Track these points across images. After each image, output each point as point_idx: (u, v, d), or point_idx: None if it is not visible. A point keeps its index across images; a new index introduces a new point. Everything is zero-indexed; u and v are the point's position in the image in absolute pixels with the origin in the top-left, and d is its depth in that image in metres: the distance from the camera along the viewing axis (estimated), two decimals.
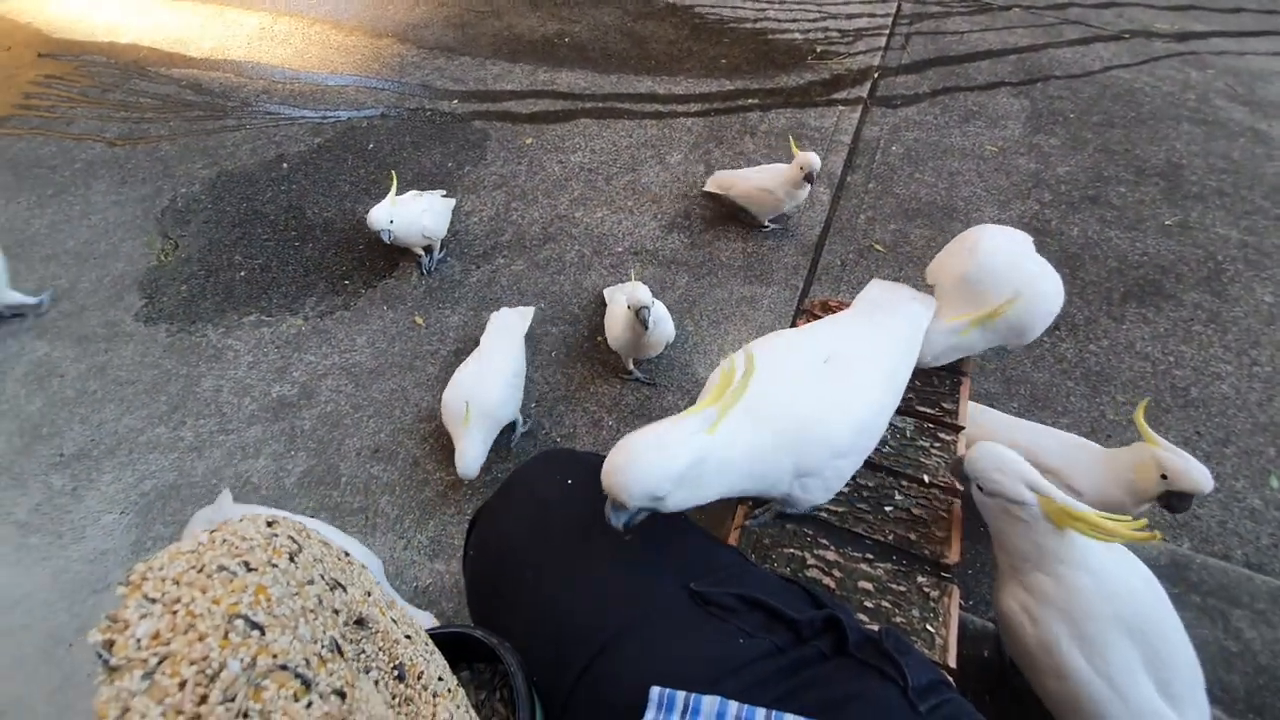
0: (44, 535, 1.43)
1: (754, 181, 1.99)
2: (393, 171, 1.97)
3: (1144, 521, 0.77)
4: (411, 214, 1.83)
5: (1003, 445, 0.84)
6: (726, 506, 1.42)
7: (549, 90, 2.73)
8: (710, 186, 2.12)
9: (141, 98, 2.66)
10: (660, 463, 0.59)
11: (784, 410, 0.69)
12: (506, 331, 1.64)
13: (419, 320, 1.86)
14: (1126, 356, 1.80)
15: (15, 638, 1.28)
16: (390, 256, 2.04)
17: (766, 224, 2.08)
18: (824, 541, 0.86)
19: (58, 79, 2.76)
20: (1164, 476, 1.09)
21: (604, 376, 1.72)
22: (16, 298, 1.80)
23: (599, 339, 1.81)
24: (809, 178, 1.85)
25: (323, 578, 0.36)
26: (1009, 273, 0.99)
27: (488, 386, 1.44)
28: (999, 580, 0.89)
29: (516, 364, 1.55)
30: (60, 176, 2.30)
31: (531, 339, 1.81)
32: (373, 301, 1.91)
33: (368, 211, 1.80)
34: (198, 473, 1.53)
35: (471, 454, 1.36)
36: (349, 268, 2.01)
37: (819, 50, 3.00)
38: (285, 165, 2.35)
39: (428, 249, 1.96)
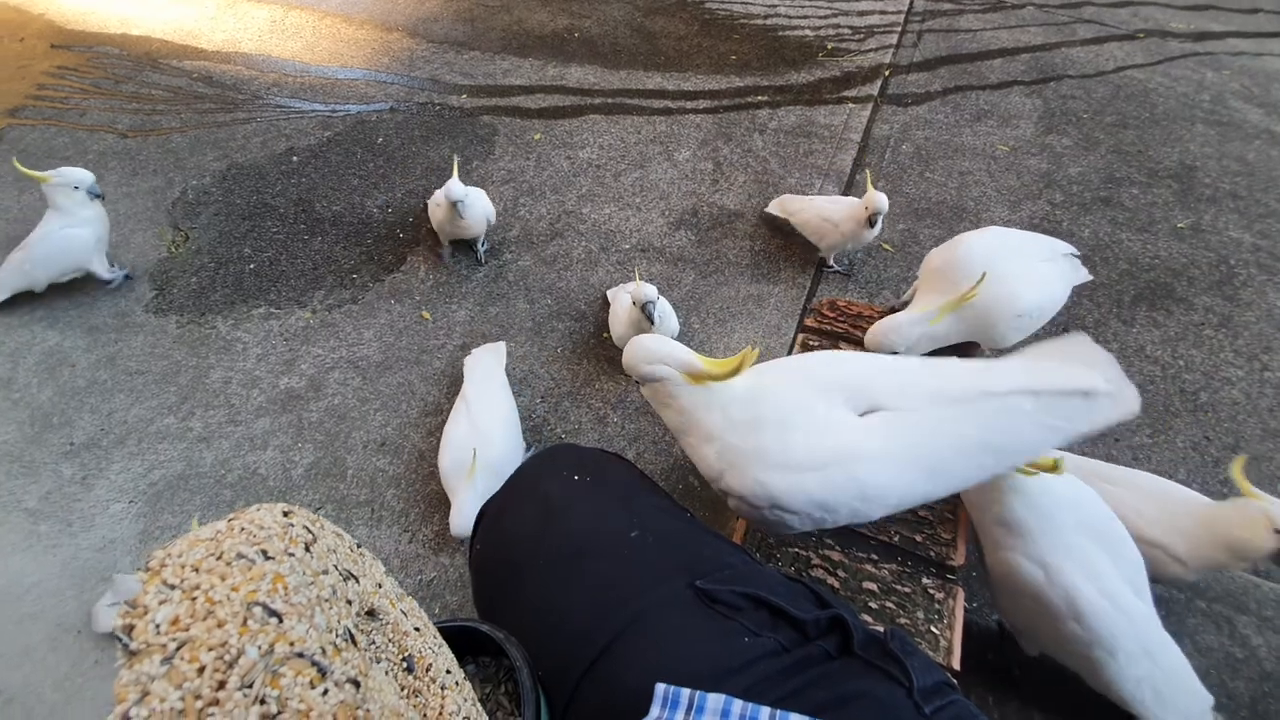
0: (53, 523, 1.45)
1: (818, 210, 1.88)
2: (454, 156, 2.01)
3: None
4: (482, 198, 1.85)
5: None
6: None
7: (558, 85, 2.73)
8: (772, 208, 2.04)
9: (153, 90, 2.67)
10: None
11: (779, 428, 0.71)
12: (487, 376, 1.55)
13: (426, 315, 1.87)
14: (1136, 360, 1.79)
15: (24, 626, 1.30)
16: (398, 251, 2.05)
17: (831, 263, 1.95)
18: (829, 541, 0.86)
19: (71, 70, 2.77)
20: (1277, 531, 1.01)
21: (609, 373, 1.73)
22: (99, 269, 1.85)
23: (605, 335, 1.81)
24: (872, 220, 1.73)
25: (336, 568, 0.37)
26: (983, 265, 1.00)
27: (493, 441, 1.36)
28: (984, 547, 0.91)
29: (509, 409, 1.48)
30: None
31: (538, 334, 1.81)
32: (380, 295, 1.92)
33: (444, 186, 1.77)
34: (206, 463, 1.54)
35: (469, 510, 1.25)
36: (357, 261, 2.02)
37: (830, 47, 2.98)
38: (295, 158, 2.36)
39: (473, 241, 1.97)
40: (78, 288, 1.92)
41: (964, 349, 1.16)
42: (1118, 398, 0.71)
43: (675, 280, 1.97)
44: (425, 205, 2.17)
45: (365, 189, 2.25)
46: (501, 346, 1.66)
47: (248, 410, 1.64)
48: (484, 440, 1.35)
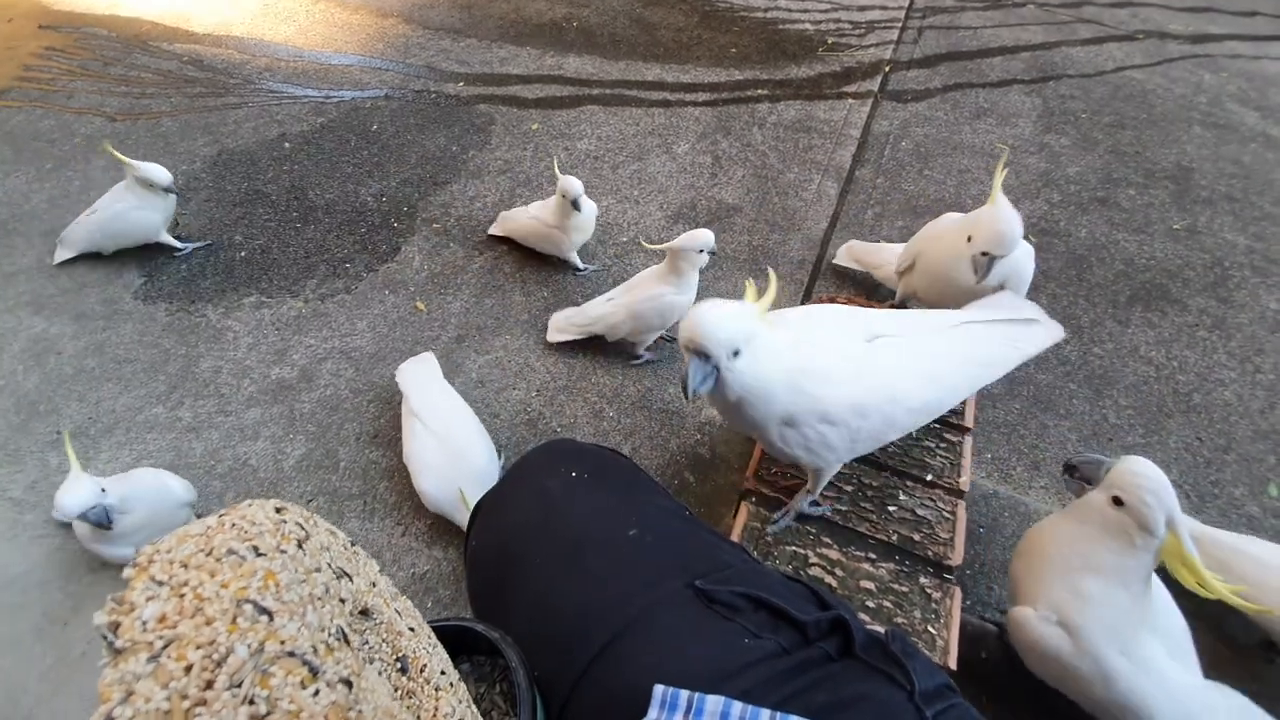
0: (40, 513, 1.42)
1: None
2: (555, 156, 2.03)
3: (1244, 587, 0.78)
4: (593, 207, 1.79)
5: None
6: (729, 502, 1.42)
7: (556, 75, 2.70)
8: (842, 259, 1.91)
9: (143, 72, 2.62)
10: (740, 319, 0.72)
11: (800, 355, 0.76)
12: (430, 387, 1.49)
13: (420, 306, 1.85)
14: (1130, 360, 1.80)
15: (10, 617, 1.28)
16: (393, 240, 2.03)
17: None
18: (827, 540, 0.86)
19: (58, 51, 2.72)
20: None
21: (605, 367, 1.71)
22: (168, 239, 1.89)
23: None
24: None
25: (330, 565, 0.36)
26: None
27: (467, 458, 1.32)
28: (1023, 588, 0.88)
29: (468, 414, 1.43)
30: (60, 151, 2.27)
31: (533, 327, 1.80)
32: (374, 285, 1.90)
33: (566, 179, 1.70)
34: (195, 453, 1.52)
35: None
36: (350, 251, 1.99)
37: (830, 42, 2.97)
38: (287, 145, 2.33)
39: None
40: (64, 273, 1.89)
41: None
42: (1049, 327, 0.95)
43: None
44: (405, 198, 2.14)
45: (359, 177, 2.22)
46: (430, 357, 1.59)
47: (238, 400, 1.62)
48: (458, 459, 1.31)
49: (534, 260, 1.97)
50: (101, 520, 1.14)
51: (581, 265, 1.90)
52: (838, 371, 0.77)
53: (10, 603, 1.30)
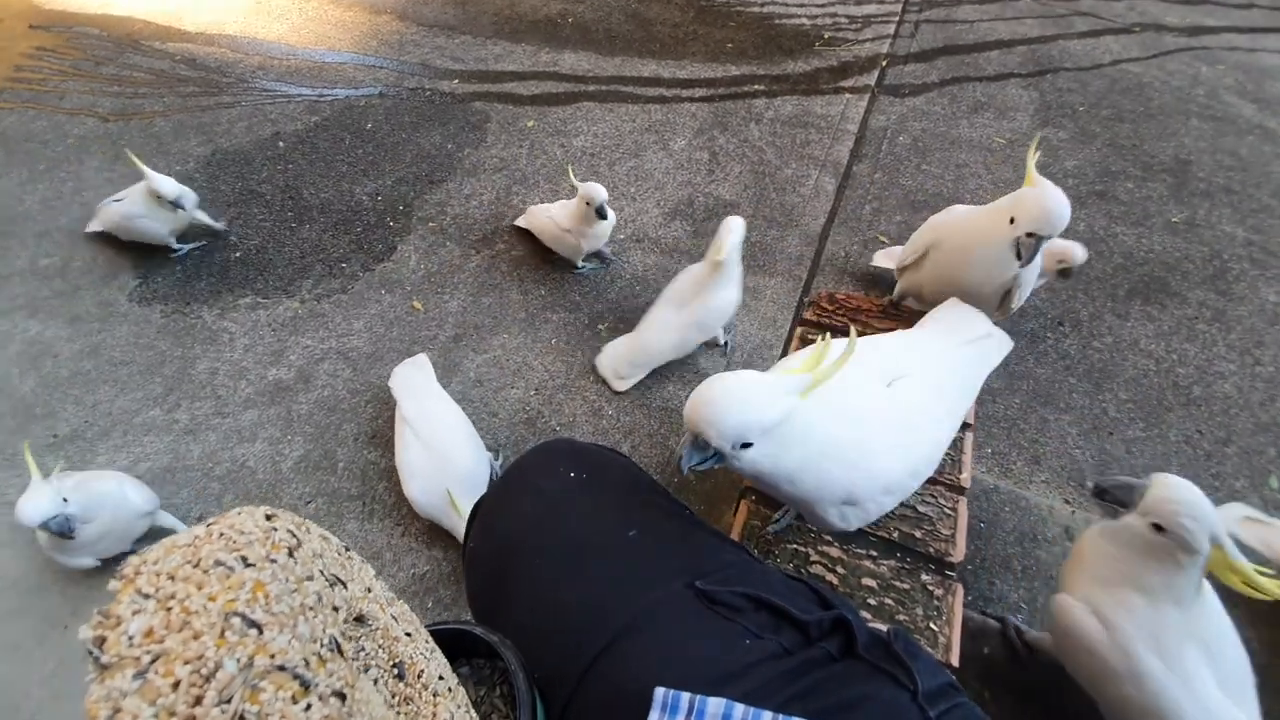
0: None
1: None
2: (569, 165, 2.02)
3: None
4: (613, 217, 1.77)
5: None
6: (729, 500, 1.41)
7: (551, 72, 2.69)
8: (881, 262, 1.85)
9: (135, 72, 2.60)
10: (758, 406, 0.59)
11: (849, 432, 0.69)
12: (422, 391, 1.47)
13: (417, 305, 1.84)
14: (1130, 354, 1.79)
15: (9, 621, 1.27)
16: (389, 240, 2.01)
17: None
18: (828, 537, 0.85)
19: (50, 51, 2.69)
20: None
21: None
22: (204, 218, 1.90)
23: (600, 327, 1.79)
24: (1064, 272, 1.54)
25: (322, 573, 0.35)
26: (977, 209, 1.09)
27: (454, 461, 1.30)
28: (1068, 583, 0.88)
29: (459, 418, 1.41)
30: (53, 152, 2.25)
31: (531, 325, 1.79)
32: (370, 285, 1.89)
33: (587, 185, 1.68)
34: (193, 456, 1.51)
35: None
36: (346, 250, 1.98)
37: (826, 36, 2.95)
38: (281, 144, 2.31)
39: (591, 254, 1.89)
40: (58, 276, 1.88)
41: None
42: (1000, 340, 0.95)
43: (670, 270, 1.94)
44: (400, 196, 2.13)
45: (354, 176, 2.21)
46: (424, 359, 1.57)
47: (235, 402, 1.61)
48: (444, 462, 1.30)
49: (531, 258, 1.96)
50: (64, 529, 1.12)
51: (580, 264, 1.89)
52: (881, 438, 0.71)
53: (9, 607, 1.29)
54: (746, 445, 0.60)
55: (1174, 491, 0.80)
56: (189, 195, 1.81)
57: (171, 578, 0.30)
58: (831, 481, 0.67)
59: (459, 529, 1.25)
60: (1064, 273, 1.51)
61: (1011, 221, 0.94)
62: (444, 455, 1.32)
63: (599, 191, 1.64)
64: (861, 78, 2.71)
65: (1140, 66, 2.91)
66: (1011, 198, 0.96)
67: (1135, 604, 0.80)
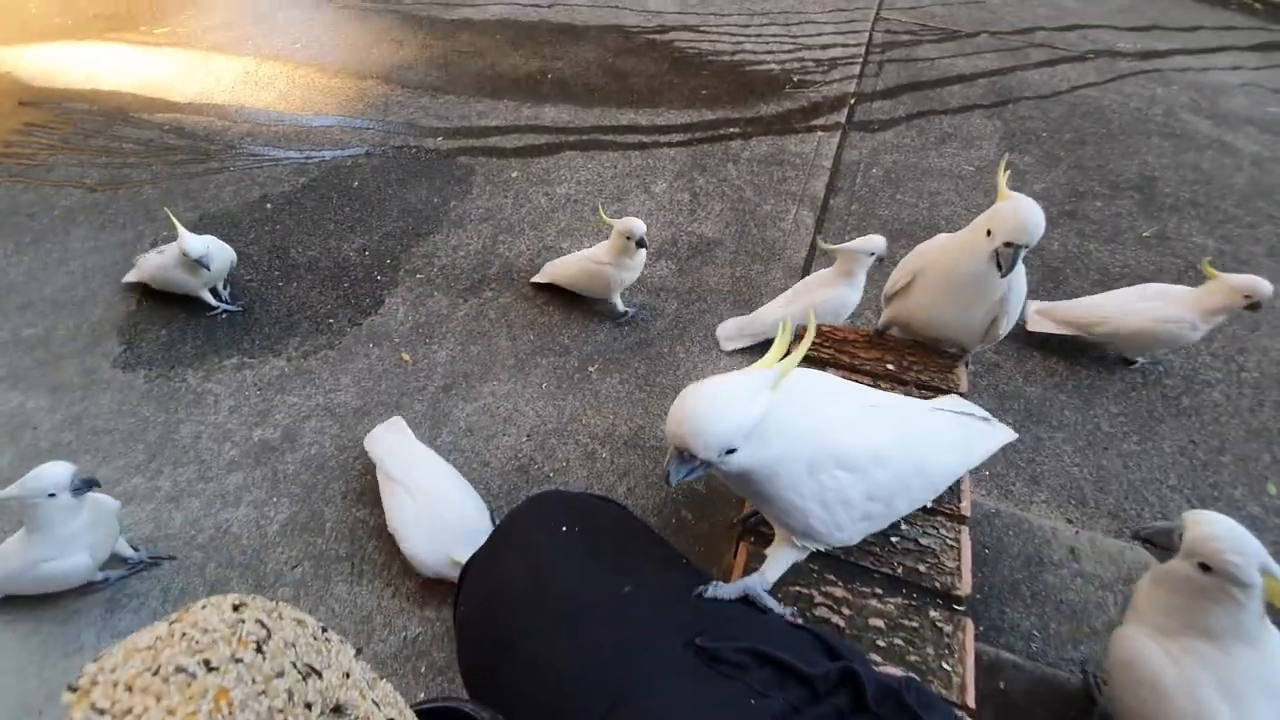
0: (12, 599, 1.36)
1: (1143, 312, 1.67)
2: (600, 205, 2.06)
3: None
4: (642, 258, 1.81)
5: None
6: (728, 540, 1.38)
7: (533, 125, 2.76)
8: (1038, 326, 1.81)
9: (124, 143, 2.65)
10: (738, 412, 0.58)
11: (815, 409, 0.69)
12: (404, 450, 1.46)
13: (406, 356, 1.83)
14: (1117, 367, 1.81)
15: None
16: (376, 294, 2.02)
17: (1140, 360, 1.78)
18: (831, 577, 0.83)
19: (38, 126, 2.75)
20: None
21: (595, 408, 1.70)
22: (204, 295, 1.92)
23: (590, 369, 1.79)
24: (1253, 306, 1.53)
25: (295, 665, 0.33)
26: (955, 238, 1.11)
27: (454, 516, 1.28)
28: (1130, 625, 0.84)
29: (446, 469, 1.40)
30: (38, 224, 2.27)
31: (521, 371, 1.78)
32: (358, 339, 1.88)
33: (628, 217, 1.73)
34: (175, 524, 1.47)
35: None
36: (333, 306, 1.99)
37: (796, 79, 3.07)
38: (269, 205, 2.34)
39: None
40: (40, 346, 1.86)
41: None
42: (1000, 429, 0.95)
43: (659, 310, 1.96)
44: (388, 250, 2.15)
45: (341, 233, 2.23)
46: (399, 421, 1.55)
47: (219, 465, 1.58)
48: (441, 514, 1.28)
49: (519, 305, 1.97)
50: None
51: (623, 307, 1.89)
52: (855, 423, 0.72)
53: None
54: (731, 451, 0.59)
55: (1211, 528, 0.77)
56: (220, 255, 1.84)
57: (129, 688, 0.29)
58: (776, 478, 0.66)
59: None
60: (1253, 306, 1.51)
61: (989, 234, 0.95)
62: (439, 507, 1.29)
63: (638, 225, 1.69)
64: (832, 115, 2.81)
65: (1098, 91, 3.04)
66: (987, 214, 0.98)
67: (1202, 650, 0.76)
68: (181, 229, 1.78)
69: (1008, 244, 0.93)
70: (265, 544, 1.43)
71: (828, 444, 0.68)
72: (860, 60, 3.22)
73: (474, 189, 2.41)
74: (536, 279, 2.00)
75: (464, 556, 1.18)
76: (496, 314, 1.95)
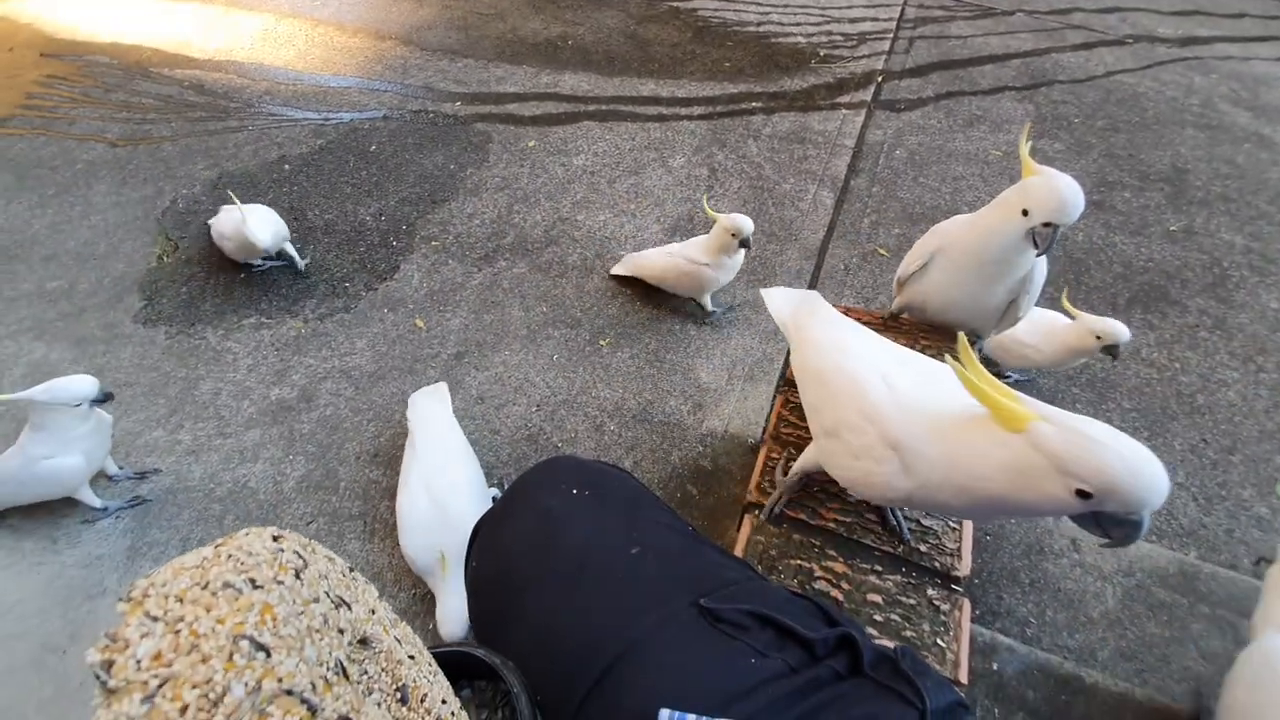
0: (37, 540, 1.41)
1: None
2: (705, 194, 2.02)
3: None
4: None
5: None
6: (732, 515, 1.40)
7: (552, 93, 2.73)
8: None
9: (144, 98, 2.65)
10: None
11: None
12: (436, 424, 1.40)
13: (420, 323, 1.85)
14: (1132, 363, 1.79)
15: (7, 646, 1.26)
16: (391, 259, 2.03)
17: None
18: (832, 553, 0.85)
19: (60, 79, 2.75)
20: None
21: (605, 380, 1.71)
22: (290, 251, 1.92)
23: (601, 343, 1.80)
24: (1111, 351, 1.42)
25: (328, 595, 0.35)
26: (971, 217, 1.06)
27: (459, 522, 1.17)
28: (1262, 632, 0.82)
29: (472, 470, 1.32)
30: (61, 177, 2.29)
31: (533, 342, 1.80)
32: (373, 304, 1.90)
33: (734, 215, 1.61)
34: (194, 477, 1.51)
35: (456, 610, 1.12)
36: (349, 270, 2.00)
37: (822, 54, 3.00)
38: (287, 166, 2.34)
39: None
40: (64, 298, 1.89)
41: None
42: None
43: None
44: (403, 216, 2.15)
45: (358, 197, 2.23)
46: (443, 388, 1.52)
47: (238, 422, 1.62)
48: (447, 522, 1.20)
49: (532, 276, 1.98)
50: (109, 398, 1.37)
51: (711, 306, 1.80)
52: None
53: (7, 631, 1.28)
54: None
55: None
56: (280, 233, 1.83)
57: (180, 600, 0.30)
58: None
59: (439, 593, 1.18)
60: (1109, 350, 1.40)
61: (1025, 214, 0.90)
62: (449, 515, 1.21)
63: (747, 223, 1.56)
64: (857, 93, 2.74)
65: (1134, 77, 2.95)
66: (1018, 189, 0.93)
67: None
68: (251, 226, 1.74)
69: (1047, 224, 0.89)
70: (281, 499, 1.47)
71: None
72: (890, 36, 3.13)
73: (490, 157, 2.40)
74: (616, 270, 1.93)
75: (454, 560, 1.15)
76: (510, 284, 1.96)
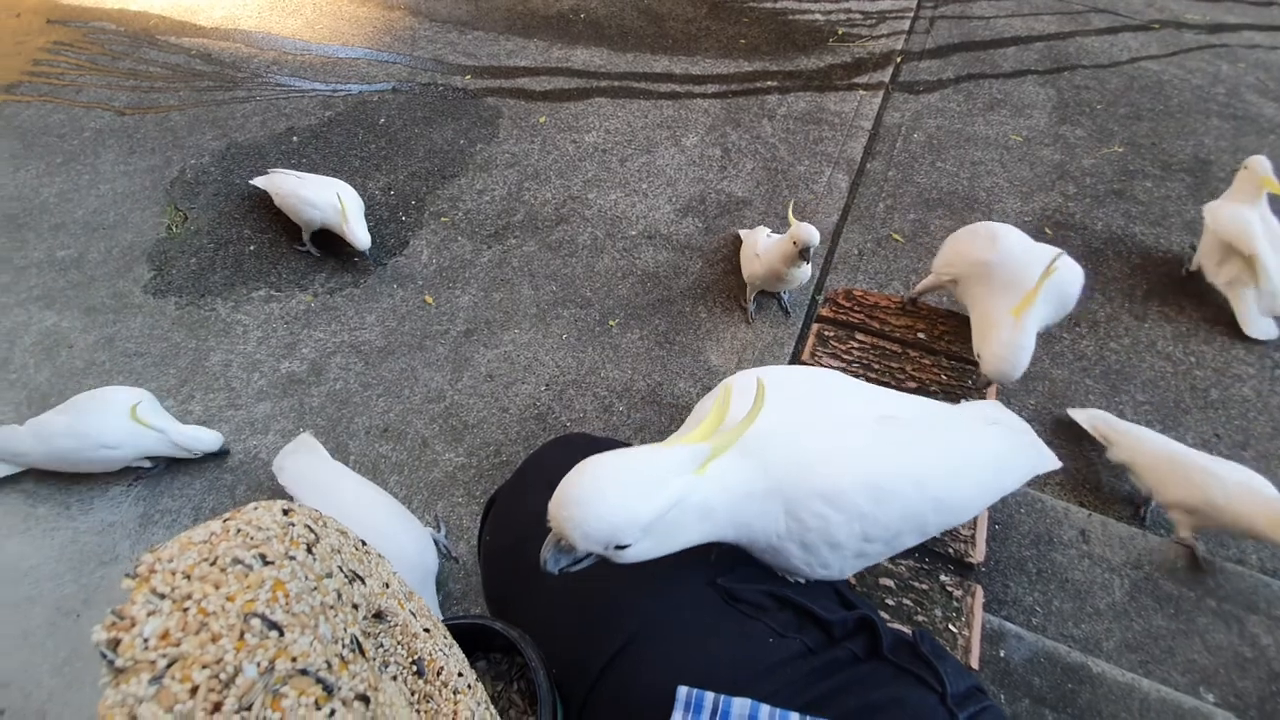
0: (52, 506, 1.43)
1: None
2: (791, 200, 1.98)
3: None
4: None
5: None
6: None
7: (564, 68, 2.68)
8: (1081, 420, 1.55)
9: (151, 66, 2.62)
10: (631, 503, 0.46)
11: (786, 445, 0.53)
12: (317, 478, 1.27)
13: (429, 299, 1.84)
14: (1147, 355, 1.77)
15: (22, 610, 1.29)
16: (400, 234, 2.02)
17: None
18: None
19: (67, 46, 2.71)
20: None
21: (614, 361, 1.70)
22: (361, 237, 1.81)
23: (611, 324, 1.79)
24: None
25: (341, 569, 0.35)
26: (1032, 250, 1.02)
27: (392, 547, 0.98)
28: None
29: (379, 496, 1.21)
30: (69, 145, 2.27)
31: (542, 321, 1.78)
32: (382, 279, 1.89)
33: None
34: None
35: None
36: None
37: (840, 32, 2.92)
38: (295, 138, 2.32)
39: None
40: (74, 267, 1.89)
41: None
42: (1045, 454, 0.78)
43: (682, 268, 1.93)
44: (413, 191, 2.13)
45: (367, 170, 2.21)
46: (307, 438, 1.40)
47: (248, 394, 1.62)
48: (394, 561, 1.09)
49: (542, 254, 1.96)
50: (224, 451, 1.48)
51: (752, 306, 1.76)
52: (854, 449, 0.56)
53: (22, 595, 1.30)
54: (622, 546, 0.47)
55: None
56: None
57: (187, 576, 0.30)
58: (765, 515, 0.52)
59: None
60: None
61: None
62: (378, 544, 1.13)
63: (812, 234, 1.46)
64: (876, 74, 2.68)
65: (1159, 64, 2.86)
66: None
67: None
68: (353, 224, 1.74)
69: None
70: None
71: (810, 477, 0.54)
72: (911, 15, 3.04)
73: (501, 132, 2.36)
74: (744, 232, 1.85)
75: (414, 582, 1.02)
76: (520, 262, 1.94)
